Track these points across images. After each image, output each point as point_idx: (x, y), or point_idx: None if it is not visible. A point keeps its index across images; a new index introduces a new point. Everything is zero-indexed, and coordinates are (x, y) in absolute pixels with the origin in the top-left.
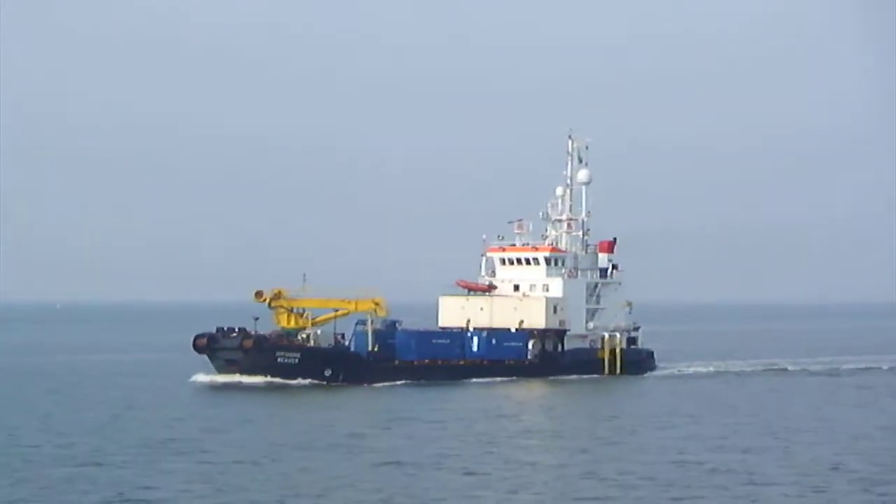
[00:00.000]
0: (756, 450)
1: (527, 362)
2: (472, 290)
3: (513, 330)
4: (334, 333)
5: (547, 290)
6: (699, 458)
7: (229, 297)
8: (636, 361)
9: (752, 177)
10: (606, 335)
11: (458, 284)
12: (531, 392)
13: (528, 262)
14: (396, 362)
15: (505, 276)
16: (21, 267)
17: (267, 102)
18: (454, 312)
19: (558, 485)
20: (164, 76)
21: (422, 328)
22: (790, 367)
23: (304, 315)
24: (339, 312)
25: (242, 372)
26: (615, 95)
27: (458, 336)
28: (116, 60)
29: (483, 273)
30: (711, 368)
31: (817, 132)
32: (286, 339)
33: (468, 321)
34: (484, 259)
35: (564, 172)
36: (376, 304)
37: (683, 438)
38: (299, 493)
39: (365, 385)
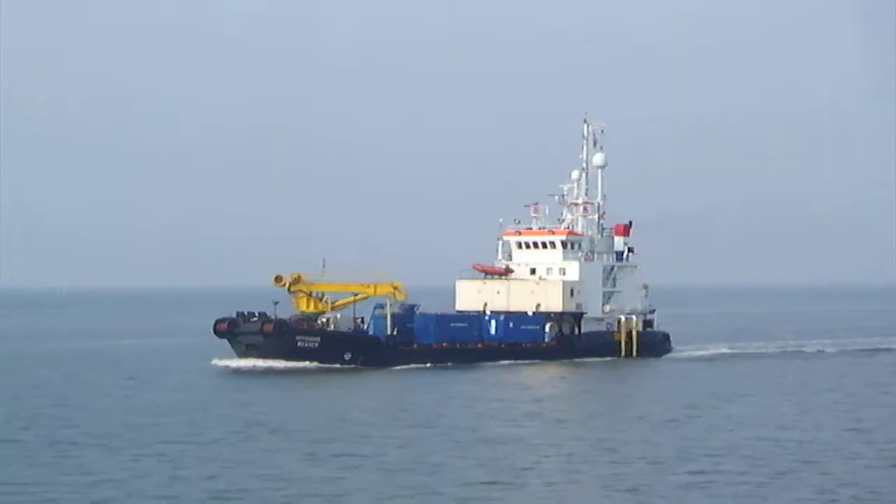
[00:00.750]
0: (827, 427)
1: (544, 345)
2: (489, 273)
3: (530, 313)
4: (353, 318)
5: (564, 274)
6: (775, 435)
7: (248, 282)
8: (652, 344)
9: (768, 157)
10: (623, 318)
11: (476, 268)
12: (570, 374)
13: (544, 245)
14: (415, 346)
15: (522, 260)
16: (23, 252)
17: (283, 90)
18: (471, 296)
19: (656, 458)
20: (172, 64)
21: (440, 312)
22: (815, 349)
23: (324, 299)
24: (359, 297)
25: (263, 356)
26: (627, 78)
27: (476, 320)
28: (121, 49)
29: (500, 257)
30: (728, 350)
31: (831, 112)
32: (306, 324)
33: (485, 305)
34: (500, 243)
35: (580, 156)
36: (395, 288)
37: (750, 416)
38: (410, 468)
39: (388, 368)
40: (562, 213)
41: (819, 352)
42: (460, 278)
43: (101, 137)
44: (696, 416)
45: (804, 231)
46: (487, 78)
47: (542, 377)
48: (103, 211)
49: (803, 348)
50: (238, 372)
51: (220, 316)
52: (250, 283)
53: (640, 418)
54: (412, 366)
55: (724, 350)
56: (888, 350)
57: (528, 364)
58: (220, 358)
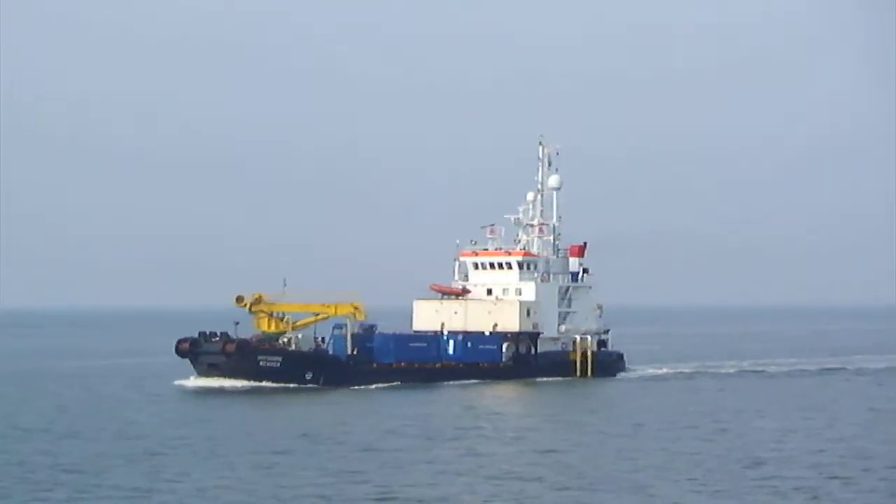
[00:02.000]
0: (856, 437)
1: (501, 365)
2: (446, 294)
3: (487, 333)
4: (314, 337)
5: (520, 294)
6: (817, 446)
7: (208, 302)
8: (607, 363)
9: (739, 179)
10: (578, 338)
11: (433, 289)
12: (554, 393)
13: (500, 266)
14: (375, 365)
15: (478, 281)
16: None
17: (242, 99)
18: (428, 316)
19: (724, 466)
20: (148, 68)
21: (398, 332)
22: (776, 368)
23: (285, 319)
24: (319, 317)
25: (224, 376)
26: (586, 99)
27: (435, 339)
28: (108, 54)
29: (456, 277)
30: (683, 369)
31: (811, 134)
32: (268, 343)
33: (442, 325)
34: (457, 263)
35: (535, 178)
36: (355, 308)
37: (783, 429)
38: (496, 476)
39: (349, 388)
40: (517, 235)
41: (763, 371)
42: (417, 298)
43: (66, 148)
44: (729, 429)
45: (792, 252)
46: (445, 97)
47: (529, 394)
48: (52, 225)
49: (765, 368)
50: (204, 391)
51: (181, 336)
52: (210, 303)
53: (680, 430)
54: (373, 385)
55: (678, 369)
56: (852, 369)
57: (488, 383)
58: (184, 378)
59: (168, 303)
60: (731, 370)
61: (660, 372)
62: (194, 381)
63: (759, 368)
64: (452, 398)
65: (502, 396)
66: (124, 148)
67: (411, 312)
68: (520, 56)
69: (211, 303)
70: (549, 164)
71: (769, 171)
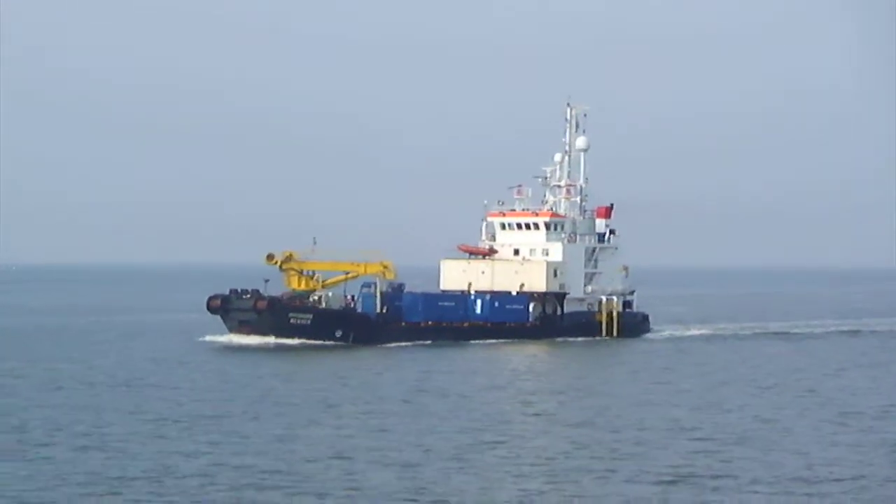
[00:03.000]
0: None
1: (528, 325)
2: (474, 254)
3: (514, 293)
4: (344, 296)
5: (547, 255)
6: None
7: (236, 259)
8: (632, 324)
9: (750, 145)
10: (604, 298)
11: (460, 248)
12: (613, 353)
13: (528, 226)
14: (403, 324)
15: (505, 241)
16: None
17: (275, 65)
18: (456, 275)
19: (829, 419)
20: (176, 33)
21: (426, 291)
22: (804, 330)
23: (315, 277)
24: (349, 275)
25: (255, 332)
26: (614, 62)
27: (463, 299)
28: (125, 17)
29: (483, 237)
30: (705, 331)
31: (815, 98)
32: (298, 301)
33: (469, 284)
34: (484, 223)
35: (563, 139)
36: (385, 267)
37: (865, 388)
38: (610, 428)
39: (379, 346)
40: (545, 195)
41: (804, 332)
42: (445, 258)
43: (100, 110)
44: (814, 387)
45: (799, 215)
46: (474, 59)
47: (583, 353)
48: (82, 186)
49: (791, 329)
50: (237, 348)
51: (212, 293)
52: (238, 260)
53: (774, 390)
54: (401, 343)
55: (703, 331)
56: (868, 332)
57: (515, 342)
58: (212, 334)
59: (193, 259)
60: (770, 330)
61: (686, 333)
62: (222, 338)
63: (795, 330)
64: (506, 356)
65: (556, 354)
66: (155, 119)
67: (439, 272)
68: (550, 19)
69: (238, 260)
70: (577, 126)
71: (794, 135)
